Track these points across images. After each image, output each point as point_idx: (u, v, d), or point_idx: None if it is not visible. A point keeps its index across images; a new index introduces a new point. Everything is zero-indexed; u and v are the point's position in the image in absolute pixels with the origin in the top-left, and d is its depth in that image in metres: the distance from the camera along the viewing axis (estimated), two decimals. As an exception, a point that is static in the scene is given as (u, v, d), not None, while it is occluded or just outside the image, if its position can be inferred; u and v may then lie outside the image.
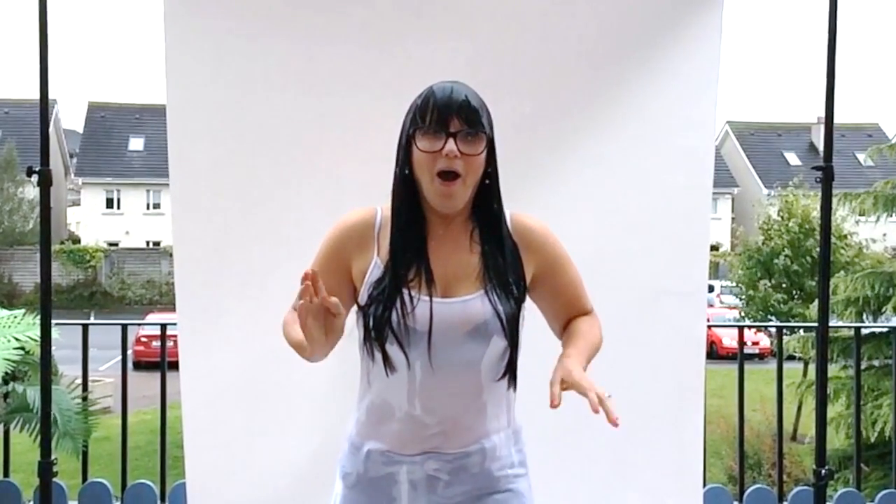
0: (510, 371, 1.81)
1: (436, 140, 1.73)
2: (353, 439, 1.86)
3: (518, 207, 1.90)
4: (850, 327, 9.75)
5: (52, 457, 2.96)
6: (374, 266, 1.80)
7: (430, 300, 1.75)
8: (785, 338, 4.67)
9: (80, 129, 36.75)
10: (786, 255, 17.65)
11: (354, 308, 1.82)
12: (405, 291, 1.75)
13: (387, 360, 1.76)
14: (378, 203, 1.88)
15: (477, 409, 1.80)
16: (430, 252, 1.79)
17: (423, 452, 1.80)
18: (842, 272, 12.88)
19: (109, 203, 34.96)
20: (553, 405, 1.63)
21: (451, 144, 1.72)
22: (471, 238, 1.82)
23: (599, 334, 1.89)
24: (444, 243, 1.80)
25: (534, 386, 1.83)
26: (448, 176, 1.73)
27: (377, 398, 1.82)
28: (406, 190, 1.79)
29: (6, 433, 4.11)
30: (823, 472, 2.94)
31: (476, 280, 1.78)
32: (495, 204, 1.82)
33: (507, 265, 1.81)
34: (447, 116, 1.73)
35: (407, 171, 1.78)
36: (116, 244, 33.15)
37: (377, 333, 1.76)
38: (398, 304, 1.74)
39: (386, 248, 1.80)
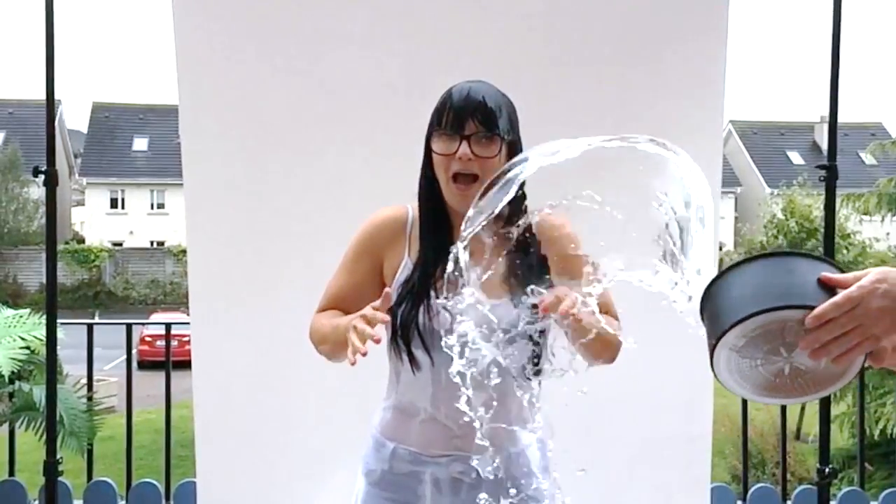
0: (537, 376, 1.80)
1: (451, 142, 1.73)
2: (377, 437, 1.87)
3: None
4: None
5: (58, 456, 2.97)
6: (404, 266, 1.80)
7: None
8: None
9: (84, 129, 36.78)
10: (787, 255, 17.63)
11: None
12: (432, 294, 1.74)
13: (412, 361, 1.77)
14: (383, 201, 1.88)
15: (504, 413, 1.79)
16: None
17: (448, 454, 1.80)
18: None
19: (113, 203, 34.98)
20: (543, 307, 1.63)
21: (464, 147, 1.71)
22: (497, 241, 1.80)
23: (617, 326, 1.82)
24: (470, 245, 1.80)
25: (542, 383, 1.82)
26: (464, 178, 1.72)
27: (403, 398, 1.82)
28: (430, 191, 1.79)
29: (11, 432, 4.12)
30: (827, 470, 2.95)
31: (503, 284, 1.77)
32: (521, 206, 1.79)
33: (534, 268, 1.79)
34: (462, 118, 1.72)
35: (429, 173, 1.78)
36: (120, 244, 33.18)
37: (403, 334, 1.76)
38: (424, 307, 1.74)
39: (417, 248, 1.80)
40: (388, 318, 1.63)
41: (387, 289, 1.67)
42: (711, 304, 1.29)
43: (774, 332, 1.22)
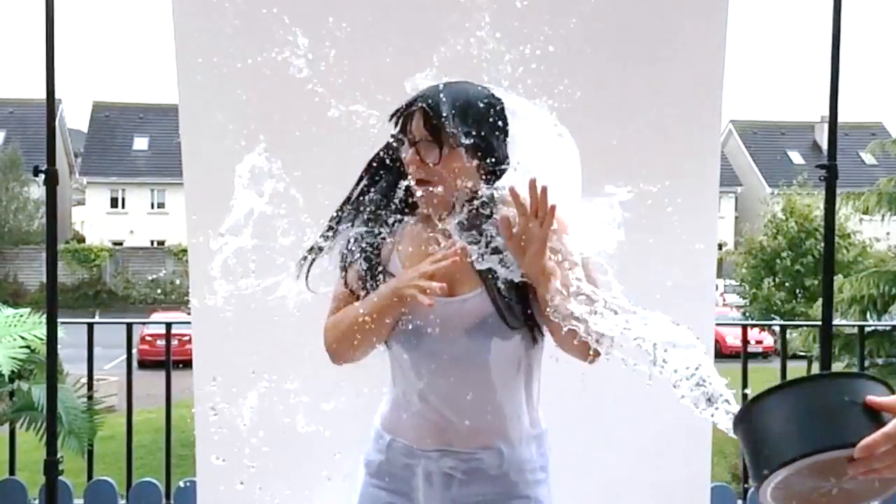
0: (528, 369, 1.80)
1: (405, 148, 1.75)
2: (377, 429, 1.88)
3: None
4: (853, 326, 9.73)
5: (58, 455, 2.97)
6: (392, 263, 1.80)
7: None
8: (788, 334, 4.70)
9: (85, 129, 36.78)
10: (785, 255, 17.64)
11: None
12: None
13: (399, 356, 1.79)
14: None
15: (492, 409, 1.78)
16: (431, 251, 1.77)
17: (439, 449, 1.79)
18: (841, 275, 12.82)
19: (114, 202, 35.00)
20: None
21: (412, 154, 1.73)
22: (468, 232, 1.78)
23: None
24: (440, 238, 1.78)
25: (541, 380, 1.84)
26: (422, 182, 1.73)
27: (398, 392, 1.84)
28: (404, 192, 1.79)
29: (12, 432, 4.13)
30: (827, 470, 2.95)
31: (476, 277, 1.75)
32: (489, 208, 1.76)
33: (509, 257, 1.75)
34: (411, 125, 1.74)
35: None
36: (121, 243, 33.19)
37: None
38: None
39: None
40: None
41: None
42: (751, 433, 1.28)
43: (823, 465, 1.22)
